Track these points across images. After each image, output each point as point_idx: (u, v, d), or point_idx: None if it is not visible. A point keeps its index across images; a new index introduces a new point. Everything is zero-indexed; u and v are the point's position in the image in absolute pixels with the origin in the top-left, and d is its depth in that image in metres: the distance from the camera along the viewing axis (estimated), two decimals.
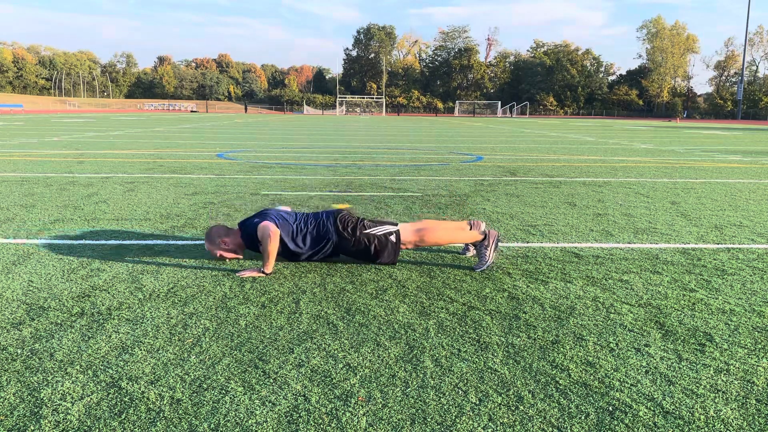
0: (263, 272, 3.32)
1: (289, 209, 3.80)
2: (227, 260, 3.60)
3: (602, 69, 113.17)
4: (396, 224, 3.63)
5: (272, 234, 3.35)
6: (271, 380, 2.09)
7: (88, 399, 1.94)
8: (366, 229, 3.54)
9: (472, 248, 3.80)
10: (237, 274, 3.32)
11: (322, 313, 2.76)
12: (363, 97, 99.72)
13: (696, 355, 2.35)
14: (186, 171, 8.31)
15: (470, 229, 3.69)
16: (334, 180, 7.59)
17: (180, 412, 1.87)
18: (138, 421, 1.81)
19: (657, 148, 15.14)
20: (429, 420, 1.85)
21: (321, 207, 5.51)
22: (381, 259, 3.54)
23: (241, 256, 3.64)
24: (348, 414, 1.88)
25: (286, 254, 3.56)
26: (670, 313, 2.81)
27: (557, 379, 2.13)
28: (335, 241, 3.53)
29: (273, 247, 3.35)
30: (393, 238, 3.54)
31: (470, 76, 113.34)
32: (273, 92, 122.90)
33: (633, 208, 5.65)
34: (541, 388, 2.06)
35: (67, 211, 5.14)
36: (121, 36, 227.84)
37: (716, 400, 1.99)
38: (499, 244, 3.81)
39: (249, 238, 3.52)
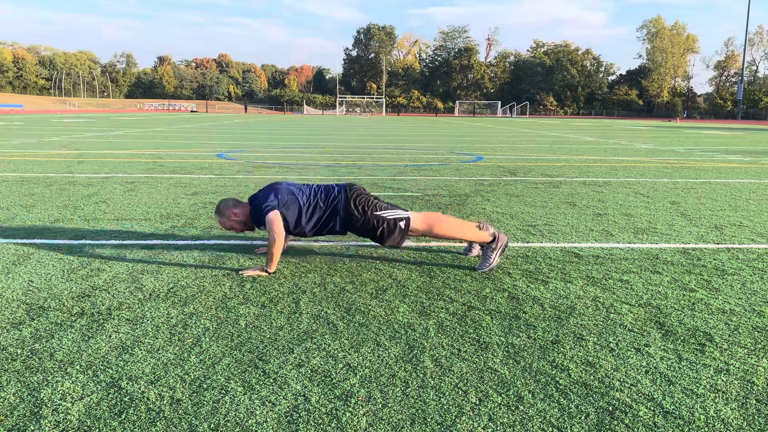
0: (266, 271, 3.32)
1: (300, 185, 3.70)
2: (237, 232, 3.62)
3: (602, 69, 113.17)
4: (407, 211, 3.60)
5: (277, 236, 3.34)
6: (271, 380, 2.09)
7: (88, 399, 1.94)
8: (377, 210, 3.49)
9: (476, 249, 3.79)
10: (240, 272, 3.33)
11: (322, 313, 2.76)
12: (363, 97, 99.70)
13: (696, 355, 2.35)
14: (186, 171, 8.31)
15: (480, 230, 3.66)
16: (334, 180, 7.58)
17: (180, 412, 1.87)
18: (138, 421, 1.82)
19: (657, 148, 15.14)
20: (429, 420, 1.85)
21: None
22: (386, 243, 3.51)
23: (252, 229, 3.62)
24: (348, 414, 1.88)
25: (291, 232, 3.55)
26: (670, 313, 2.81)
27: (557, 379, 2.13)
28: (343, 217, 3.50)
29: (278, 249, 3.34)
30: (402, 224, 3.50)
31: (470, 76, 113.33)
32: (273, 92, 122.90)
33: (633, 208, 5.65)
34: (541, 388, 2.06)
35: (67, 211, 5.14)
36: (121, 36, 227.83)
37: (716, 400, 1.99)
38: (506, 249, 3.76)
39: (256, 219, 3.51)
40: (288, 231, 3.52)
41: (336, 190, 3.58)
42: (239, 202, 3.60)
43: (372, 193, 3.68)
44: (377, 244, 3.55)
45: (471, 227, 3.60)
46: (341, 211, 3.49)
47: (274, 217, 3.39)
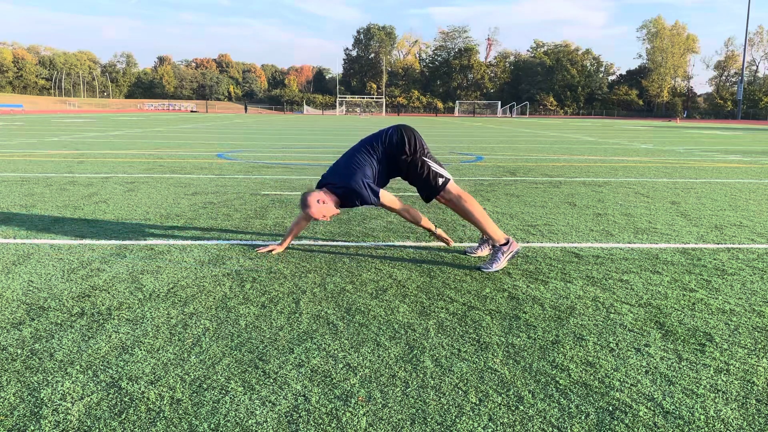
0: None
1: (355, 149, 3.72)
2: (330, 219, 3.72)
3: (602, 69, 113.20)
4: (450, 177, 3.70)
5: (393, 200, 3.59)
6: (271, 380, 2.09)
7: (88, 399, 1.94)
8: (426, 157, 3.62)
9: (485, 249, 3.79)
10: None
11: (322, 313, 2.76)
12: (363, 97, 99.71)
13: (696, 355, 2.35)
14: (186, 171, 8.31)
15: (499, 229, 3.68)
16: None
17: (180, 412, 1.87)
18: (138, 421, 1.82)
19: (657, 148, 15.14)
20: (429, 420, 1.85)
21: None
22: (418, 188, 3.66)
23: (338, 211, 3.64)
24: (348, 414, 1.88)
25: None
26: (670, 313, 2.81)
27: (557, 379, 2.13)
28: (393, 152, 3.58)
29: (406, 208, 3.63)
30: (441, 180, 3.60)
31: (470, 76, 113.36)
32: (273, 92, 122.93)
33: (633, 208, 5.65)
34: (541, 388, 2.06)
35: (67, 211, 5.14)
36: (121, 36, 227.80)
37: (716, 400, 1.99)
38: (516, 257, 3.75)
39: (349, 200, 3.55)
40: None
41: (392, 130, 3.65)
42: (317, 192, 3.57)
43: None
44: (414, 187, 3.70)
45: (492, 222, 3.65)
46: (394, 146, 3.58)
47: (383, 195, 3.56)
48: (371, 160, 3.59)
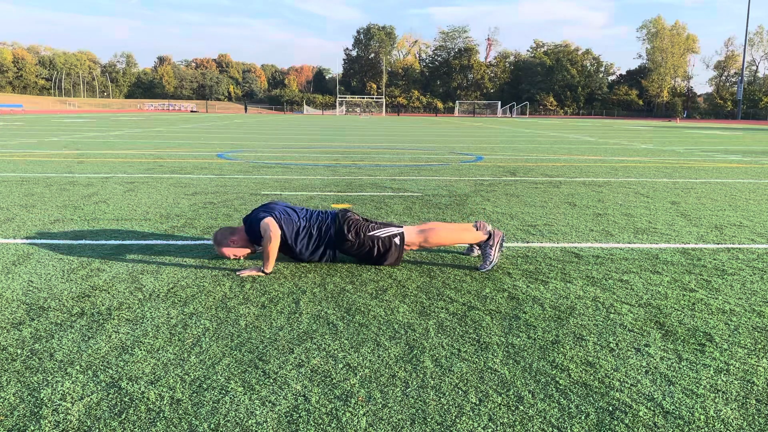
0: (263, 272, 3.32)
1: (295, 206, 3.74)
2: (241, 258, 3.60)
3: (602, 69, 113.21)
4: (401, 226, 3.63)
5: (273, 235, 3.35)
6: (271, 380, 2.09)
7: (88, 399, 1.94)
8: (370, 231, 3.52)
9: (477, 248, 3.79)
10: (237, 273, 3.32)
11: (322, 313, 2.76)
12: (363, 97, 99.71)
13: (696, 355, 2.35)
14: (186, 171, 8.31)
15: (476, 230, 3.64)
16: (334, 180, 7.59)
17: (180, 412, 1.87)
18: (138, 421, 1.81)
19: (657, 148, 15.14)
20: (429, 420, 1.85)
21: (323, 207, 5.51)
22: (384, 261, 3.53)
23: (255, 249, 3.62)
24: (348, 414, 1.88)
25: (287, 252, 3.56)
26: (670, 313, 2.81)
27: (557, 379, 2.13)
28: (336, 243, 3.52)
29: (273, 247, 3.34)
30: (397, 240, 3.52)
31: (470, 76, 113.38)
32: (273, 92, 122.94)
33: (633, 208, 5.65)
34: (541, 388, 2.06)
35: (67, 211, 5.14)
36: (121, 36, 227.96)
37: (716, 400, 1.99)
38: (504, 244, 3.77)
39: (253, 234, 3.51)
40: (286, 245, 3.50)
41: (329, 218, 3.59)
42: (234, 229, 3.64)
43: (364, 218, 3.68)
44: (376, 265, 3.55)
45: (467, 230, 3.62)
46: (334, 238, 3.51)
47: (269, 221, 3.41)
48: (306, 223, 3.54)
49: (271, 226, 3.38)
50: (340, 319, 2.68)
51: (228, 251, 3.56)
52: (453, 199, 6.12)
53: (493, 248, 3.52)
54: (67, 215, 4.94)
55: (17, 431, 1.76)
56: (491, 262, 3.48)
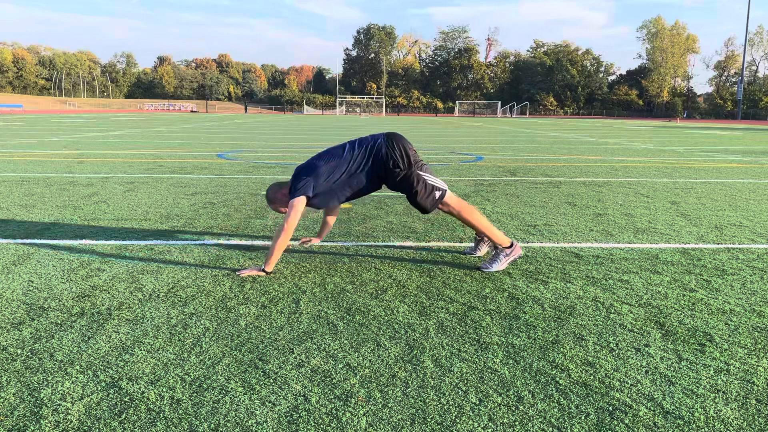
0: (264, 271, 3.31)
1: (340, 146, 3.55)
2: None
3: (602, 69, 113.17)
4: (445, 185, 3.54)
5: (287, 229, 3.28)
6: (271, 380, 2.09)
7: (88, 399, 1.94)
8: (420, 170, 3.44)
9: (483, 249, 3.79)
10: (237, 273, 3.32)
11: (322, 313, 2.76)
12: (363, 97, 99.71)
13: (696, 355, 2.35)
14: (186, 171, 8.31)
15: (505, 235, 3.59)
16: None
17: (180, 412, 1.87)
18: (138, 421, 1.81)
19: (657, 148, 15.14)
20: (429, 420, 1.85)
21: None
22: (417, 202, 3.46)
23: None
24: (348, 414, 1.88)
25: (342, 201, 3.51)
26: (670, 313, 2.81)
27: (557, 379, 2.13)
28: (384, 164, 3.38)
29: (281, 243, 3.30)
30: (437, 194, 3.45)
31: (470, 76, 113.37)
32: (273, 92, 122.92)
33: (633, 208, 5.65)
34: (541, 388, 2.06)
35: (67, 211, 5.14)
36: (121, 36, 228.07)
37: (716, 400, 1.99)
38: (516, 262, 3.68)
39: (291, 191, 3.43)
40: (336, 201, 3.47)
41: (380, 138, 3.46)
42: (282, 183, 3.57)
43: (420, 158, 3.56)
44: (409, 201, 3.50)
45: (495, 227, 3.60)
46: (385, 158, 3.38)
47: (297, 204, 3.32)
48: (346, 164, 3.39)
49: (292, 216, 3.30)
50: (340, 319, 2.68)
51: (281, 207, 3.52)
52: None
53: (507, 258, 3.50)
54: (67, 215, 4.94)
55: (17, 431, 1.76)
56: (496, 267, 3.47)
